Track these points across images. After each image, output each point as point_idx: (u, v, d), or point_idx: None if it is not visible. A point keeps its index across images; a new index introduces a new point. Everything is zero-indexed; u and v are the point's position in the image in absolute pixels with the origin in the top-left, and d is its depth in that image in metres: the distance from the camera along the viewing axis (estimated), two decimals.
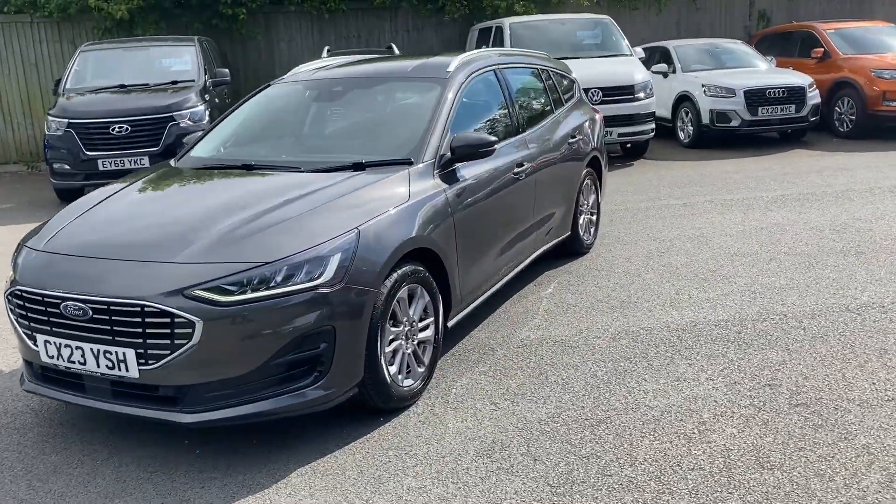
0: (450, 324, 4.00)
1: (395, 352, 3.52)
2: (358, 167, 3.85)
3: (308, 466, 3.15)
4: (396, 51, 11.60)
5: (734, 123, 10.90)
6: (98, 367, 3.09)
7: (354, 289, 3.16)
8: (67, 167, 9.11)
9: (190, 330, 2.93)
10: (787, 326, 4.35)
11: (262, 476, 3.10)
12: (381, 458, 3.19)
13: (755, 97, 10.82)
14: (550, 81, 5.74)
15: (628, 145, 10.77)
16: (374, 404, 3.44)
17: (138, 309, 2.98)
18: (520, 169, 4.64)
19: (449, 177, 3.99)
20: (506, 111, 4.85)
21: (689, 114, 11.41)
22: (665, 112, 11.96)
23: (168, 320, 2.95)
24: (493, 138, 4.08)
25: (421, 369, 3.70)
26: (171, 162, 4.46)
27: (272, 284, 3.02)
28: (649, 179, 9.13)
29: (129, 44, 10.80)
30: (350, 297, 3.15)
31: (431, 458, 3.17)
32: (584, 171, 5.83)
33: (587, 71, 10.04)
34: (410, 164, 3.87)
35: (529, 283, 5.34)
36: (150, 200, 3.76)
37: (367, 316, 3.22)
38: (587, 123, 5.99)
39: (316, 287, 3.06)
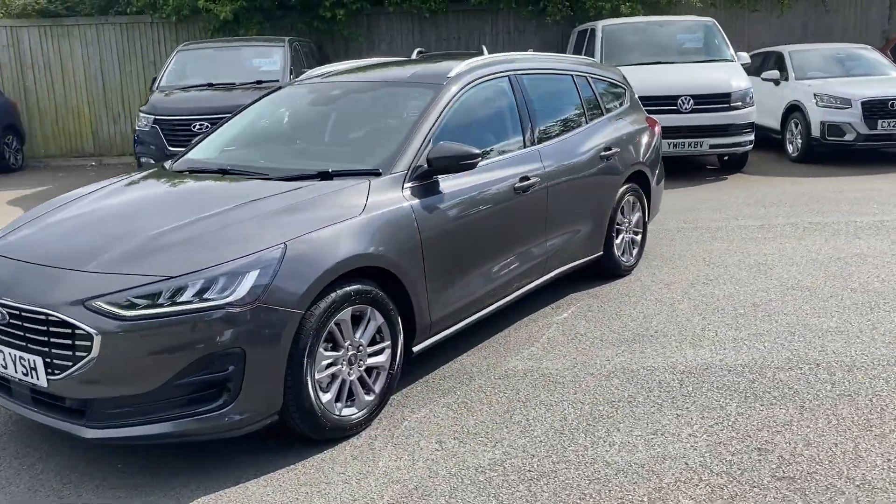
0: (416, 349, 3.71)
1: (333, 377, 3.28)
2: (325, 176, 3.64)
3: (214, 495, 2.96)
4: (486, 53, 11.30)
5: (848, 137, 9.85)
6: (16, 372, 3.04)
7: (271, 309, 2.94)
8: (152, 162, 9.44)
9: (89, 343, 2.82)
10: (813, 378, 3.74)
11: (165, 499, 2.94)
12: (291, 494, 2.95)
13: (875, 109, 9.73)
14: (589, 89, 5.29)
15: (726, 158, 9.98)
16: (302, 434, 3.20)
17: (43, 317, 2.89)
18: (525, 183, 4.26)
19: (425, 190, 3.70)
20: (516, 121, 4.48)
21: (799, 125, 10.42)
22: (774, 122, 11.02)
23: (69, 331, 2.85)
24: (476, 150, 3.74)
25: (369, 398, 3.43)
26: (167, 164, 4.41)
27: (176, 300, 2.85)
28: (736, 196, 8.37)
29: (223, 44, 11.13)
30: (264, 319, 2.93)
31: (342, 500, 2.90)
32: (625, 187, 5.34)
33: (678, 77, 9.44)
34: (378, 174, 3.62)
35: (546, 306, 4.94)
36: (107, 205, 3.68)
37: (286, 339, 2.99)
38: (633, 135, 5.49)
39: (223, 306, 2.86)
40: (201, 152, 4.43)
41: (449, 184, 3.82)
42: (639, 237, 5.68)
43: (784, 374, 3.81)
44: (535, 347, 4.28)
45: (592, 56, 10.31)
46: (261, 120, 4.64)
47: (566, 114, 5.06)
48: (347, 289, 3.22)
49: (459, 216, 3.84)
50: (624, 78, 5.94)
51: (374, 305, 3.37)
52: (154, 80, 10.72)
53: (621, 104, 5.66)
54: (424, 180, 3.72)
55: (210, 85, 10.07)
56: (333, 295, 3.16)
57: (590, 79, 5.34)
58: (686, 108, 9.21)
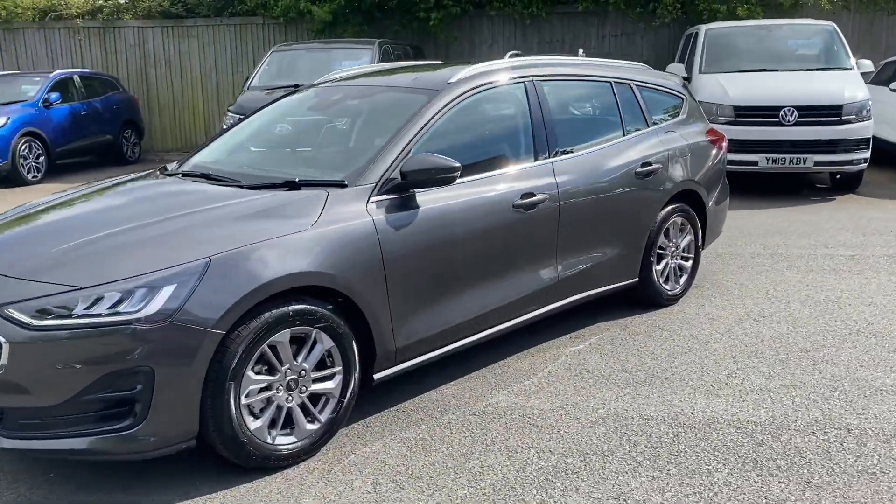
0: (377, 377, 3.43)
1: (269, 402, 3.05)
2: (293, 185, 3.42)
3: None
4: (582, 56, 10.79)
5: None
6: None
7: (185, 328, 2.74)
8: None
9: None
10: (836, 447, 3.15)
11: None
12: None
13: None
14: (632, 99, 4.79)
15: (838, 176, 9.01)
16: (229, 460, 3.00)
17: None
18: (528, 200, 3.88)
19: (398, 204, 3.41)
20: (527, 131, 4.09)
21: None
22: None
23: None
24: (455, 164, 3.41)
25: (312, 426, 3.18)
26: (171, 165, 4.34)
27: (86, 312, 2.71)
28: (836, 220, 7.49)
29: (314, 46, 11.23)
30: (176, 338, 2.74)
31: None
32: (670, 208, 4.81)
33: (782, 86, 8.63)
34: (343, 185, 3.36)
35: (564, 335, 4.51)
36: (73, 208, 3.60)
37: (201, 361, 2.79)
38: (684, 150, 4.93)
39: (131, 321, 2.70)
40: (206, 154, 4.33)
41: (429, 198, 3.51)
42: (689, 263, 5.11)
43: (802, 438, 3.24)
44: (529, 381, 3.89)
45: (692, 62, 9.63)
46: (265, 123, 4.50)
47: (597, 125, 4.61)
48: (285, 309, 2.99)
49: (438, 234, 3.51)
50: (683, 86, 5.38)
51: (321, 328, 3.12)
52: (247, 79, 10.96)
53: (675, 115, 5.12)
54: (398, 194, 3.43)
55: (296, 86, 10.12)
56: (267, 315, 2.94)
57: (634, 86, 4.84)
58: (789, 121, 8.37)
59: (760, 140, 8.46)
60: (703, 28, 9.89)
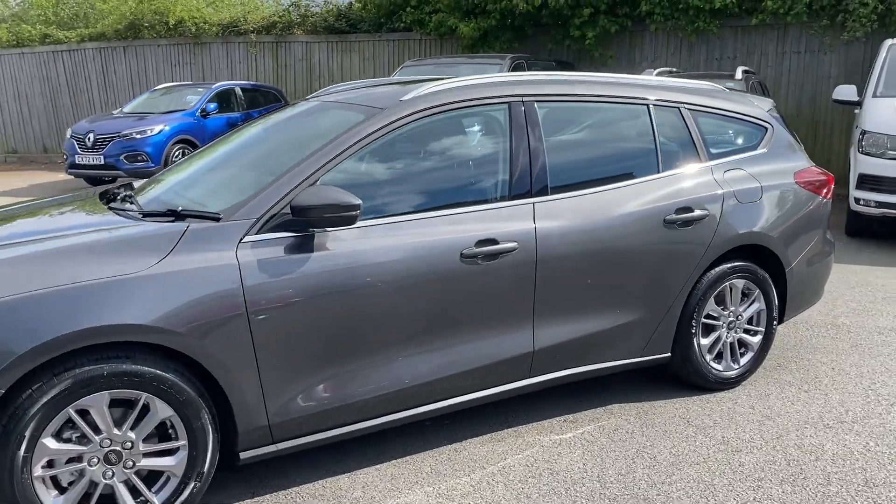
0: (245, 455, 2.81)
1: (81, 475, 2.55)
2: (177, 216, 2.90)
3: None
4: (739, 76, 9.42)
5: None
6: None
7: None
8: None
9: None
10: None
11: None
12: None
13: None
14: (680, 126, 3.76)
15: None
16: None
17: None
18: (487, 248, 3.07)
19: (286, 247, 2.78)
20: (503, 163, 3.26)
21: None
22: None
23: None
24: (354, 200, 2.73)
25: None
26: (136, 184, 4.00)
27: None
28: None
29: (443, 60, 10.81)
30: None
31: None
32: (726, 267, 3.74)
33: None
34: (217, 219, 2.79)
35: (558, 416, 3.61)
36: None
37: None
38: (753, 193, 3.81)
39: None
40: (174, 173, 3.93)
41: (338, 239, 2.84)
42: (756, 339, 3.96)
43: None
44: (469, 478, 3.07)
45: (868, 84, 8.01)
46: (239, 140, 4.00)
47: (617, 158, 3.66)
48: (98, 367, 2.47)
49: (339, 286, 2.83)
50: (770, 111, 4.22)
51: (153, 393, 2.57)
52: None
53: (750, 149, 4.00)
54: (289, 233, 2.80)
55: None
56: (70, 374, 2.44)
57: (686, 111, 3.81)
58: None
59: None
60: (888, 43, 8.21)
